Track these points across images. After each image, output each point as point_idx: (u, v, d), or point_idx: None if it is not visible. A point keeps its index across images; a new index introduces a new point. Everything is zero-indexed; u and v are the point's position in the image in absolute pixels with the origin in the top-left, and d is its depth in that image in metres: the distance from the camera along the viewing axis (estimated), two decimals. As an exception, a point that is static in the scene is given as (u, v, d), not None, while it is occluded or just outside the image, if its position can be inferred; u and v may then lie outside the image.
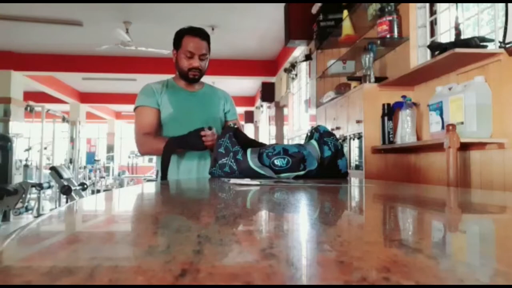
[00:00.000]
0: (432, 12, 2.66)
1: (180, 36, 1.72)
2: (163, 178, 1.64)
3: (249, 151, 1.26)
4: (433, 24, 2.65)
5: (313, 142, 1.33)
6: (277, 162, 1.21)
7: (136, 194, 0.85)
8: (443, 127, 1.98)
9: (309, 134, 1.42)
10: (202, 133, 1.55)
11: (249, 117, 10.94)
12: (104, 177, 10.27)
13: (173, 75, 1.85)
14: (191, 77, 1.73)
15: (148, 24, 5.84)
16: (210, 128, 1.57)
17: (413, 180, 2.55)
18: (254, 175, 1.19)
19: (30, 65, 7.38)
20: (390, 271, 0.20)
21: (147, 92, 1.73)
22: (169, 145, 1.61)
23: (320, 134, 1.34)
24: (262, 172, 1.19)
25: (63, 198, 5.92)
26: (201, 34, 1.71)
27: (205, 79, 1.87)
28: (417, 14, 2.68)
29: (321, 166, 1.26)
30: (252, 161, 1.22)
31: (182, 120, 1.71)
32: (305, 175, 1.21)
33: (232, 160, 1.26)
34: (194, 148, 1.60)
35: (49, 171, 5.93)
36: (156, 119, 1.72)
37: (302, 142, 1.45)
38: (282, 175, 1.21)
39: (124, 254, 0.26)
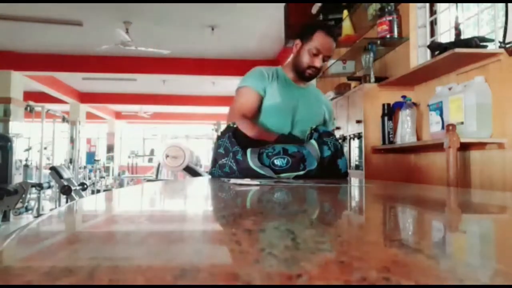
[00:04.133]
0: (432, 12, 2.66)
1: (313, 29, 1.60)
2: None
3: (249, 151, 1.26)
4: (433, 24, 2.65)
5: (313, 142, 1.33)
6: (277, 162, 1.21)
7: (136, 194, 0.85)
8: (443, 127, 1.98)
9: (309, 134, 1.42)
10: None
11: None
12: (104, 177, 10.27)
13: (278, 67, 1.76)
14: (307, 75, 1.62)
15: (148, 24, 5.84)
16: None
17: (413, 180, 2.55)
18: (254, 175, 1.19)
19: (30, 65, 7.37)
20: (390, 271, 0.20)
21: (258, 75, 1.64)
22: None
23: (319, 134, 1.34)
24: (262, 172, 1.19)
25: (63, 198, 5.92)
26: (334, 35, 1.62)
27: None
28: (417, 14, 2.68)
29: (321, 166, 1.26)
30: (252, 161, 1.22)
31: (286, 113, 1.61)
32: (305, 175, 1.21)
33: (232, 161, 1.26)
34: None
35: (49, 171, 5.93)
36: (257, 104, 1.61)
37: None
38: (282, 175, 1.21)
39: (124, 254, 0.26)
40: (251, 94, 1.60)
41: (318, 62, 1.58)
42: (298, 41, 1.65)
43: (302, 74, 1.62)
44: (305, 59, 1.59)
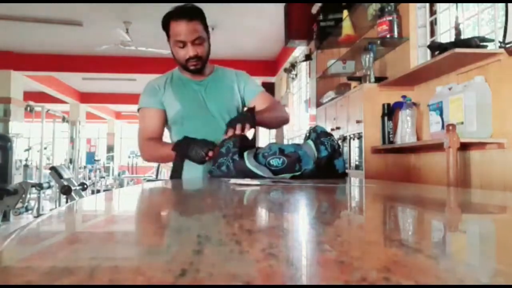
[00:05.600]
0: (432, 12, 2.66)
1: (166, 23, 1.47)
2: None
3: (246, 152, 1.26)
4: (433, 24, 2.65)
5: (309, 142, 1.33)
6: (273, 162, 1.21)
7: (136, 194, 0.85)
8: (443, 127, 1.98)
9: (307, 134, 1.42)
10: (210, 153, 1.32)
11: (249, 117, 10.92)
12: (104, 177, 10.27)
13: (174, 69, 1.66)
14: (192, 68, 1.51)
15: (148, 24, 5.84)
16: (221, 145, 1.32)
17: (413, 180, 2.55)
18: (250, 175, 1.19)
19: (30, 65, 7.38)
20: (390, 271, 0.20)
21: (149, 91, 1.56)
22: (177, 150, 1.42)
23: (317, 134, 1.34)
24: (258, 172, 1.19)
25: (63, 198, 5.92)
26: (187, 14, 1.42)
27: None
28: (417, 14, 2.68)
29: (317, 166, 1.26)
30: (248, 161, 1.22)
31: (195, 115, 1.53)
32: (302, 175, 1.21)
33: (230, 160, 1.26)
34: (191, 160, 1.38)
35: (49, 171, 5.93)
36: (160, 121, 1.55)
37: (302, 142, 1.45)
38: (279, 175, 1.21)
39: (124, 254, 0.26)
40: (149, 113, 1.55)
41: (191, 51, 1.46)
42: (168, 40, 1.52)
43: (188, 69, 1.52)
44: (178, 54, 1.49)
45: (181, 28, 1.43)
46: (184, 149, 1.38)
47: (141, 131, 1.56)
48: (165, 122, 1.59)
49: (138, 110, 1.59)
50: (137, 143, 1.59)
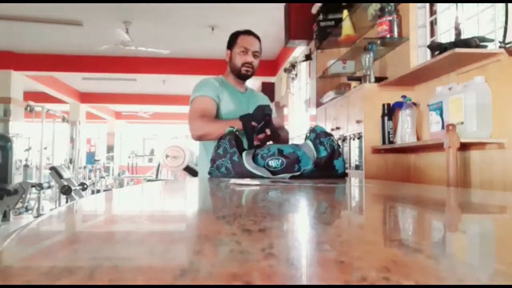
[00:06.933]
0: (432, 12, 2.66)
1: (235, 36, 1.81)
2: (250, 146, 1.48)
3: (244, 153, 1.27)
4: (433, 24, 2.65)
5: (308, 142, 1.33)
6: (272, 163, 1.22)
7: (136, 194, 0.85)
8: (443, 127, 1.98)
9: (307, 134, 1.42)
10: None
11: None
12: (104, 177, 10.26)
13: (220, 76, 1.87)
14: (243, 72, 1.78)
15: (148, 24, 5.84)
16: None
17: (413, 180, 2.55)
18: (249, 176, 1.19)
19: (30, 65, 7.38)
20: (390, 271, 0.20)
21: (209, 85, 1.76)
22: (243, 117, 1.56)
23: (316, 135, 1.34)
24: (257, 173, 1.19)
25: (63, 198, 5.92)
26: (254, 34, 1.82)
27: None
28: (417, 14, 2.68)
29: (317, 166, 1.26)
30: (247, 162, 1.22)
31: None
32: (301, 175, 1.21)
33: (229, 161, 1.27)
34: (257, 118, 1.54)
35: (49, 171, 5.92)
36: (215, 109, 1.72)
37: (302, 142, 1.45)
38: (278, 176, 1.21)
39: (124, 254, 0.26)
40: (208, 100, 1.72)
41: (249, 58, 1.77)
42: (228, 51, 1.83)
43: (240, 73, 1.79)
44: (238, 60, 1.78)
45: (248, 39, 1.79)
46: (248, 115, 1.56)
47: (197, 111, 1.70)
48: (217, 114, 1.74)
49: (194, 98, 1.74)
50: (189, 125, 1.71)
